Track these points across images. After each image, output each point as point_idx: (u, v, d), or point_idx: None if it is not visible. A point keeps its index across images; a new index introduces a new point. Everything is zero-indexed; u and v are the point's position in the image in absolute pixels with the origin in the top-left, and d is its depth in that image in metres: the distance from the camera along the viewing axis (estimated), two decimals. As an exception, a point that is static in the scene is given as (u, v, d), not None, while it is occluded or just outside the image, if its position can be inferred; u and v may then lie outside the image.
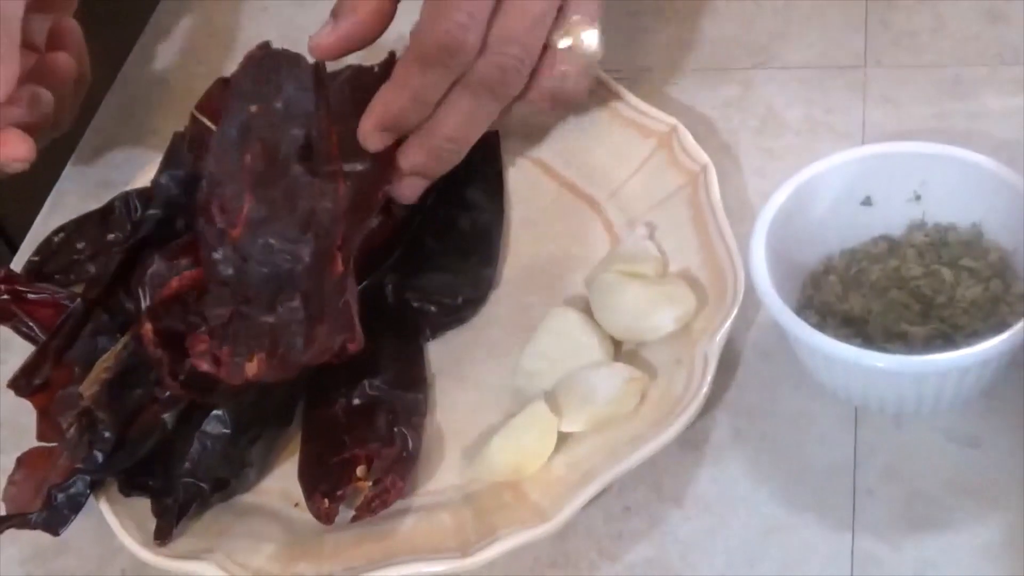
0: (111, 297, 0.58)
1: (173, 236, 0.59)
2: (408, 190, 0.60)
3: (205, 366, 0.53)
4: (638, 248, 0.59)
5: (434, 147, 0.58)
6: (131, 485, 0.55)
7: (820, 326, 0.53)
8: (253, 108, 0.61)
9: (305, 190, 0.58)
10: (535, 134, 0.66)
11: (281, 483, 0.56)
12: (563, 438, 0.54)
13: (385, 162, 0.59)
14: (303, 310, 0.55)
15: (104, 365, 0.54)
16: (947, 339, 0.53)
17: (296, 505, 0.55)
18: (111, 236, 0.63)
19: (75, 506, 0.54)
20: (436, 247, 0.63)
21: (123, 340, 0.55)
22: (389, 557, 0.51)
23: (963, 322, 0.53)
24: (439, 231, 0.63)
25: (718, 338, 0.55)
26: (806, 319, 0.53)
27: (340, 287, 0.55)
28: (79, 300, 0.58)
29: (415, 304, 0.61)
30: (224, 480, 0.55)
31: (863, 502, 0.53)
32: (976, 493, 0.52)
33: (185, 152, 0.63)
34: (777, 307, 0.52)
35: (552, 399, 0.54)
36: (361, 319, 0.53)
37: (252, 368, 0.53)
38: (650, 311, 0.56)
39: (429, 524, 0.53)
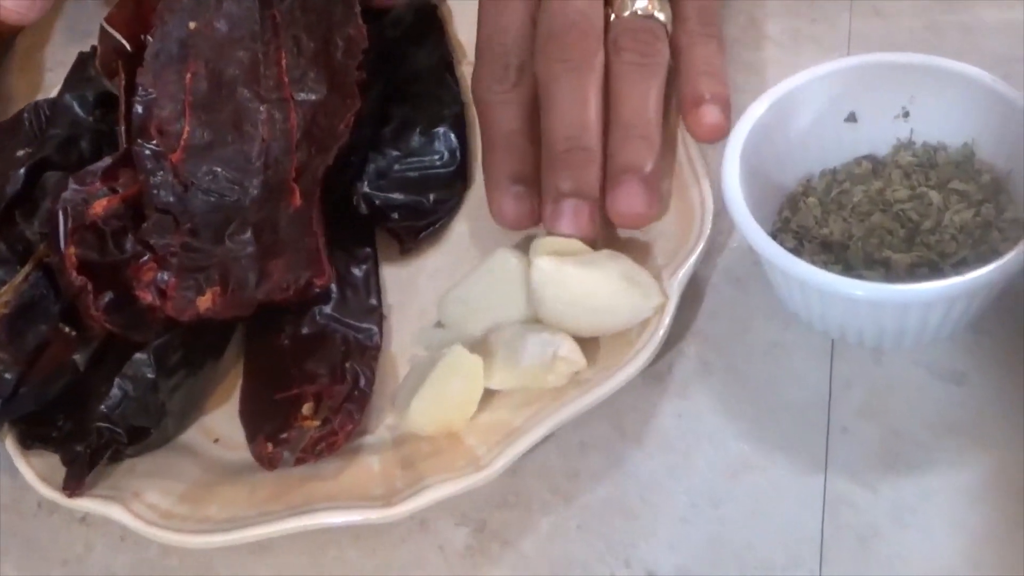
0: (8, 224, 0.53)
1: (78, 158, 0.55)
2: (627, 196, 0.51)
3: (150, 298, 0.50)
4: None
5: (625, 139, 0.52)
6: (32, 436, 0.51)
7: (797, 251, 0.49)
8: (192, 25, 0.57)
9: (253, 117, 0.54)
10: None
11: (200, 416, 0.52)
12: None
13: (346, 92, 0.55)
14: (254, 244, 0.51)
15: (3, 299, 0.50)
16: (933, 267, 0.49)
17: (216, 441, 0.51)
18: (20, 152, 0.58)
19: None
20: (398, 151, 0.58)
21: (23, 271, 0.51)
22: (308, 503, 0.47)
23: (951, 249, 0.49)
24: (397, 134, 0.58)
25: (680, 276, 0.50)
26: (782, 243, 0.49)
27: (303, 221, 0.51)
28: None
29: (388, 212, 0.56)
30: (143, 430, 0.50)
31: (837, 441, 0.49)
32: (958, 433, 0.49)
33: (92, 71, 0.59)
34: (750, 229, 0.48)
35: (482, 348, 0.50)
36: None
37: (205, 303, 0.50)
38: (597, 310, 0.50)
39: (356, 468, 0.49)
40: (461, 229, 0.57)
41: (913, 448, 0.49)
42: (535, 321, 0.50)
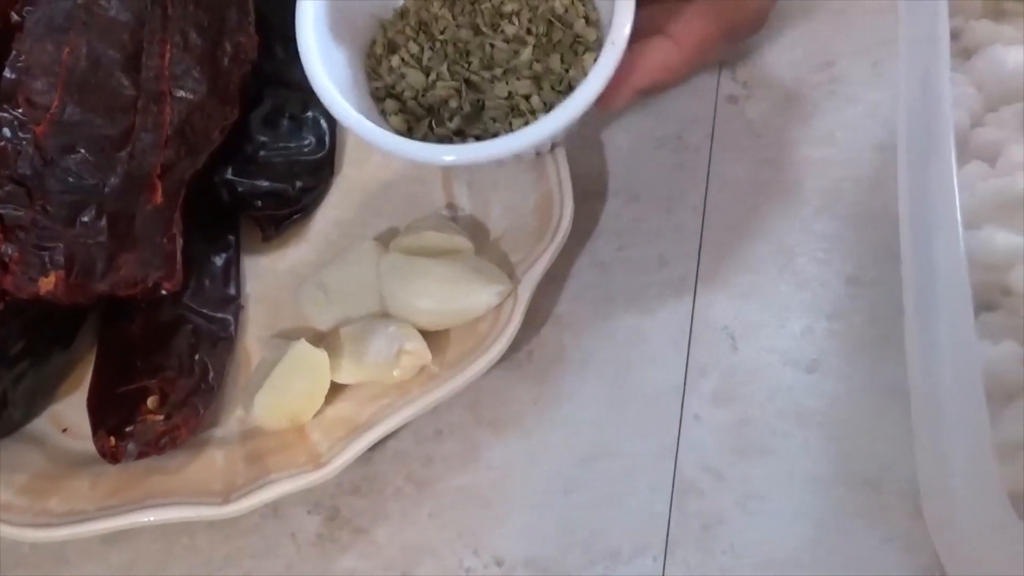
0: None
1: None
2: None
3: None
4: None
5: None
6: None
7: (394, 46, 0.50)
8: None
9: (127, 105, 0.53)
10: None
11: (51, 404, 0.52)
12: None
13: (227, 98, 0.54)
14: (108, 232, 0.50)
15: None
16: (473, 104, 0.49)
17: (64, 430, 0.51)
18: None
19: None
20: (266, 137, 0.57)
21: None
22: (148, 498, 0.47)
23: (485, 81, 0.49)
24: (267, 119, 0.57)
25: (533, 272, 0.50)
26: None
27: (162, 221, 0.50)
28: None
29: (251, 200, 0.56)
30: None
31: (689, 428, 0.49)
32: (808, 421, 0.49)
33: None
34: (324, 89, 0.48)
35: (330, 342, 0.50)
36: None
37: (47, 284, 0.49)
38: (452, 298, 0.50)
39: (200, 463, 0.49)
40: (326, 219, 0.56)
41: (763, 435, 0.49)
42: (387, 315, 0.50)
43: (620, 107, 0.49)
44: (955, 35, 0.50)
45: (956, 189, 0.39)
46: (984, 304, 0.44)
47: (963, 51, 0.50)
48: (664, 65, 0.48)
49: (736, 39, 0.50)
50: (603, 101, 0.48)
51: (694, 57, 0.49)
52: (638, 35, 0.47)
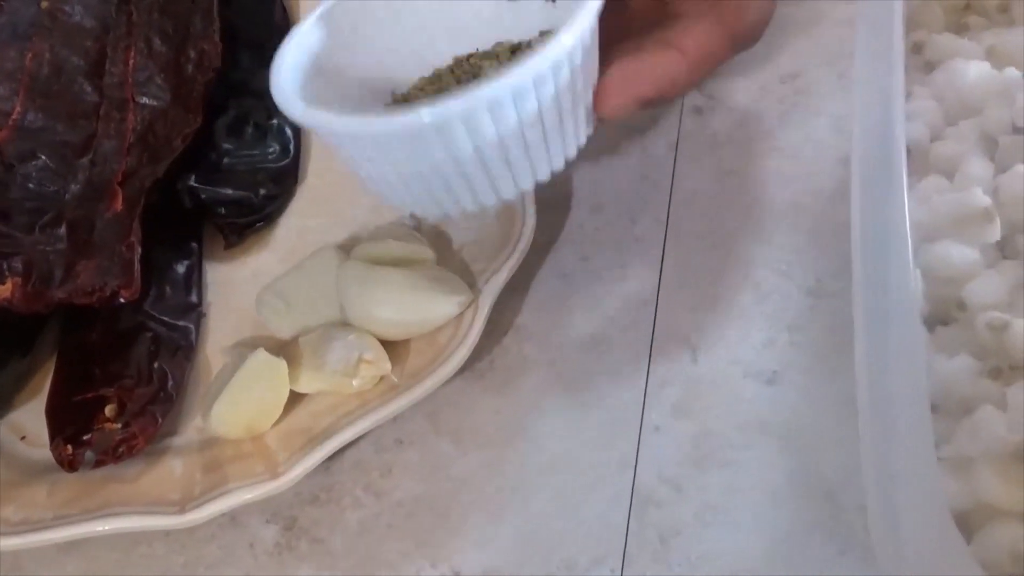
0: None
1: None
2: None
3: None
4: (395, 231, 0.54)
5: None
6: None
7: None
8: (44, 4, 0.56)
9: (89, 111, 0.53)
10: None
11: (9, 412, 0.52)
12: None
13: (190, 106, 0.54)
14: (67, 240, 0.50)
15: None
16: None
17: (23, 438, 0.51)
18: None
19: None
20: (230, 144, 0.57)
21: None
22: (105, 507, 0.47)
23: None
24: (232, 126, 0.57)
25: (494, 282, 0.50)
26: None
27: (121, 227, 0.50)
28: None
29: (215, 207, 0.55)
30: None
31: (649, 440, 0.49)
32: (768, 433, 0.49)
33: None
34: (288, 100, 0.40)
35: (289, 351, 0.50)
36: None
37: (4, 291, 0.49)
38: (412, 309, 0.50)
39: (157, 471, 0.49)
40: (289, 227, 0.56)
41: (723, 448, 0.49)
42: (346, 324, 0.50)
43: (621, 116, 0.47)
44: (917, 49, 0.50)
45: (907, 206, 0.39)
46: (940, 318, 0.44)
47: (925, 65, 0.50)
48: (668, 76, 0.47)
49: (739, 49, 0.50)
50: (604, 110, 0.46)
51: (699, 69, 0.48)
52: (642, 46, 0.46)
